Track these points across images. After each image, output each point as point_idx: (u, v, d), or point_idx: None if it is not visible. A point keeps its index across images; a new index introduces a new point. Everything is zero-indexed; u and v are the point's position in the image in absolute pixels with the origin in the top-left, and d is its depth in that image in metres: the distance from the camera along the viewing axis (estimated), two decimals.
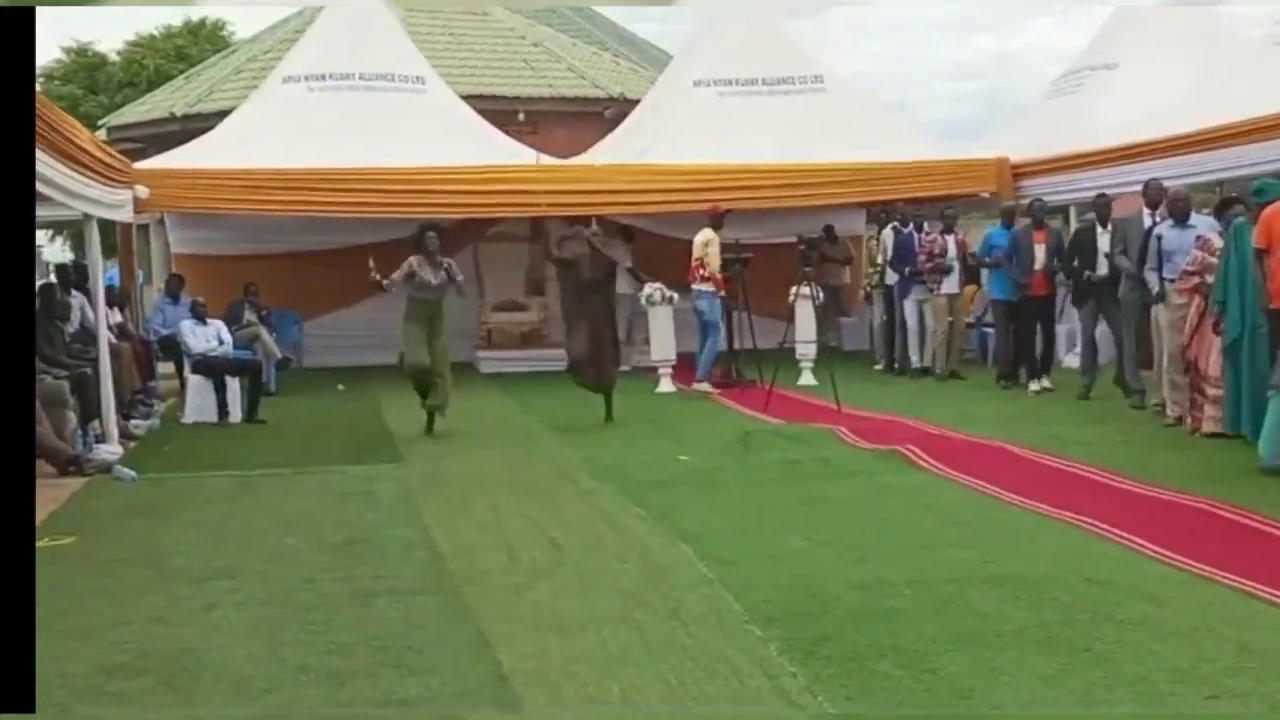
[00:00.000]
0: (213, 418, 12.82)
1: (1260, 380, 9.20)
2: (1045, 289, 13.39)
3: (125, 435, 11.56)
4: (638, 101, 19.58)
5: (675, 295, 14.82)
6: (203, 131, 17.48)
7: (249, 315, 15.05)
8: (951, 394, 13.73)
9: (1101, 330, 12.68)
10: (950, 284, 14.73)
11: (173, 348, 14.61)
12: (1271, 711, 4.46)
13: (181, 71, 28.83)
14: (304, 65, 17.01)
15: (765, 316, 15.23)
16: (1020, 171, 16.78)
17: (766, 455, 9.94)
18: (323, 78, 16.70)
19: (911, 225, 15.34)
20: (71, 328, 12.40)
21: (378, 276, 11.36)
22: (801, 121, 17.00)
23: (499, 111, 19.67)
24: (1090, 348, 12.69)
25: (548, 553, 6.94)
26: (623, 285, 14.92)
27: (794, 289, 14.33)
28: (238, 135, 16.20)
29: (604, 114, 21.49)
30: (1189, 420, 10.35)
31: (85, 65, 37.67)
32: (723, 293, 14.28)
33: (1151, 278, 10.87)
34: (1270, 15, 14.71)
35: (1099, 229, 12.39)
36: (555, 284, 18.27)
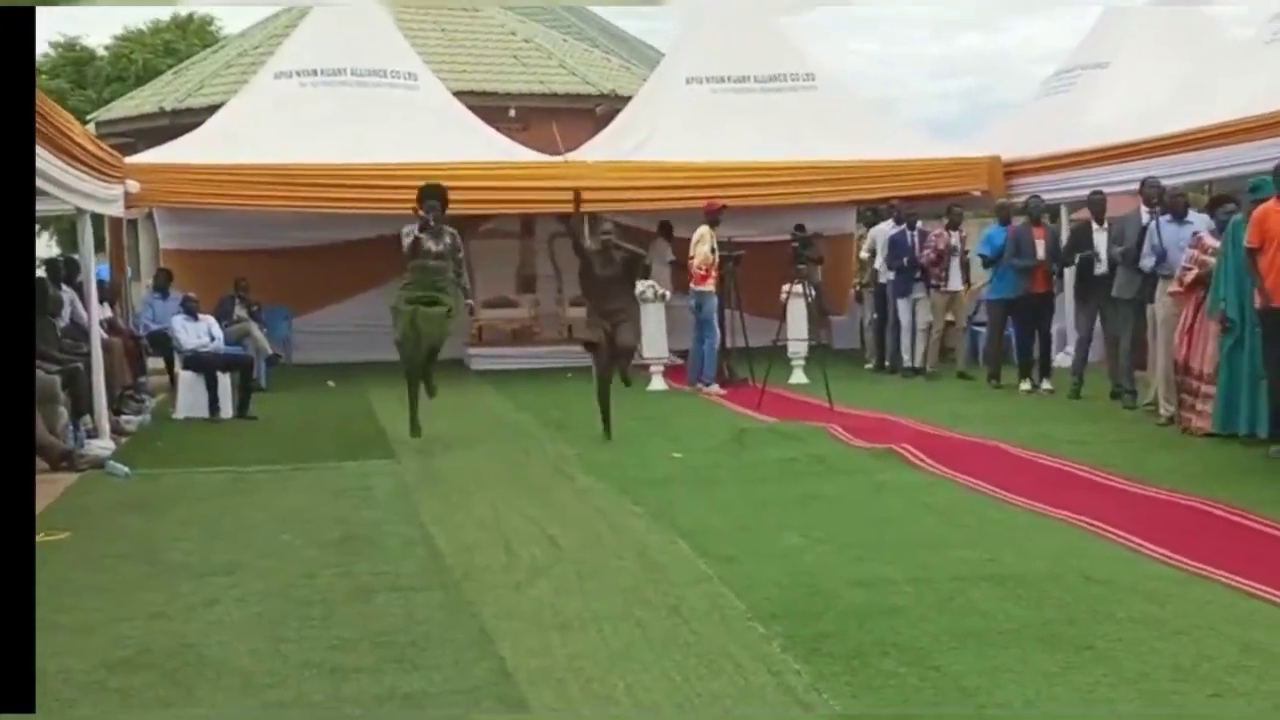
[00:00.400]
0: (204, 413, 12.79)
1: (1258, 379, 9.25)
2: (1044, 287, 13.40)
3: (116, 431, 11.52)
4: (629, 99, 19.56)
5: (667, 293, 14.87)
6: (192, 126, 17.40)
7: (239, 311, 15.03)
8: (943, 393, 13.75)
9: (1093, 329, 12.71)
10: (952, 282, 14.75)
11: (162, 343, 14.60)
12: (1275, 710, 4.48)
13: (170, 66, 28.77)
14: (296, 60, 16.95)
15: (756, 315, 15.26)
16: (1012, 170, 16.83)
17: (762, 453, 9.95)
18: (315, 73, 16.64)
19: (906, 223, 15.32)
20: (62, 323, 12.35)
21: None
22: (794, 119, 17.02)
23: (490, 108, 19.63)
24: (1084, 346, 12.72)
25: (546, 550, 6.93)
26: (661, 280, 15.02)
27: (786, 287, 14.34)
28: (229, 130, 16.13)
29: (595, 111, 21.47)
30: (1179, 420, 10.38)
31: (73, 60, 37.62)
32: (710, 288, 14.26)
33: (1148, 263, 10.91)
34: (1261, 14, 14.74)
35: (1094, 226, 12.42)
36: (545, 281, 18.48)
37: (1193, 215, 11.07)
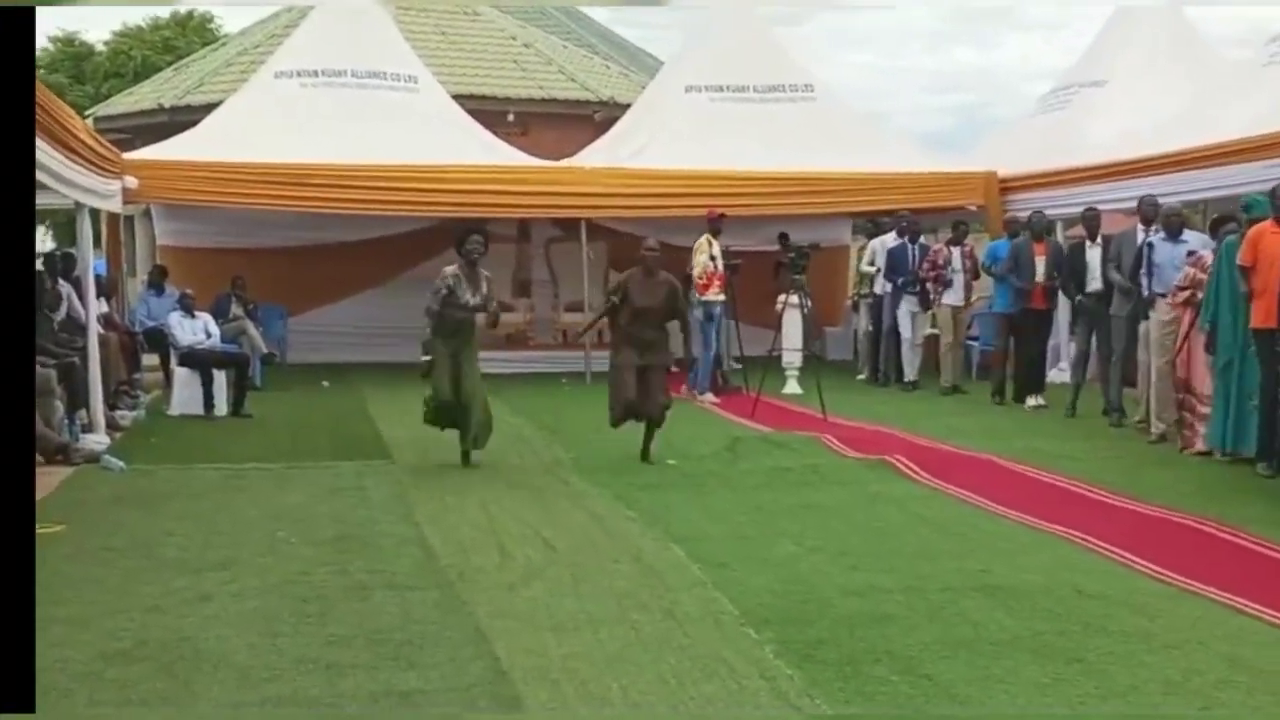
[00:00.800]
0: (199, 410, 12.80)
1: (1247, 398, 9.30)
2: (1044, 303, 13.43)
3: (111, 426, 11.53)
4: (628, 106, 19.62)
5: None
6: (191, 124, 17.44)
7: (235, 309, 15.03)
8: (936, 406, 13.80)
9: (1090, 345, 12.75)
10: (954, 296, 14.75)
11: (157, 339, 14.60)
12: None
13: (169, 63, 28.82)
14: (297, 60, 16.97)
15: (751, 324, 15.30)
16: (1008, 186, 16.89)
17: (755, 462, 9.99)
18: (315, 74, 16.67)
19: (908, 237, 15.34)
20: (59, 317, 12.36)
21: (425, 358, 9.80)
22: (792, 129, 17.06)
23: (489, 112, 19.69)
24: (1081, 363, 12.75)
25: (541, 552, 6.96)
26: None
27: (782, 297, 14.37)
28: (228, 128, 16.15)
29: (594, 117, 21.53)
30: (1180, 439, 10.41)
31: (72, 55, 37.66)
32: (716, 297, 14.25)
33: (1143, 282, 10.96)
34: (1259, 36, 14.83)
35: (1088, 244, 12.48)
36: (541, 286, 18.50)
37: (1188, 234, 11.13)
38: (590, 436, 11.01)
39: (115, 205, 14.31)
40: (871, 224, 17.41)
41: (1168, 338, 10.57)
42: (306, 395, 14.67)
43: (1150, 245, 10.94)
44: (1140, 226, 11.58)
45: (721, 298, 14.18)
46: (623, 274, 10.30)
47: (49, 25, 37.46)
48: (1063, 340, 14.91)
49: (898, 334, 15.49)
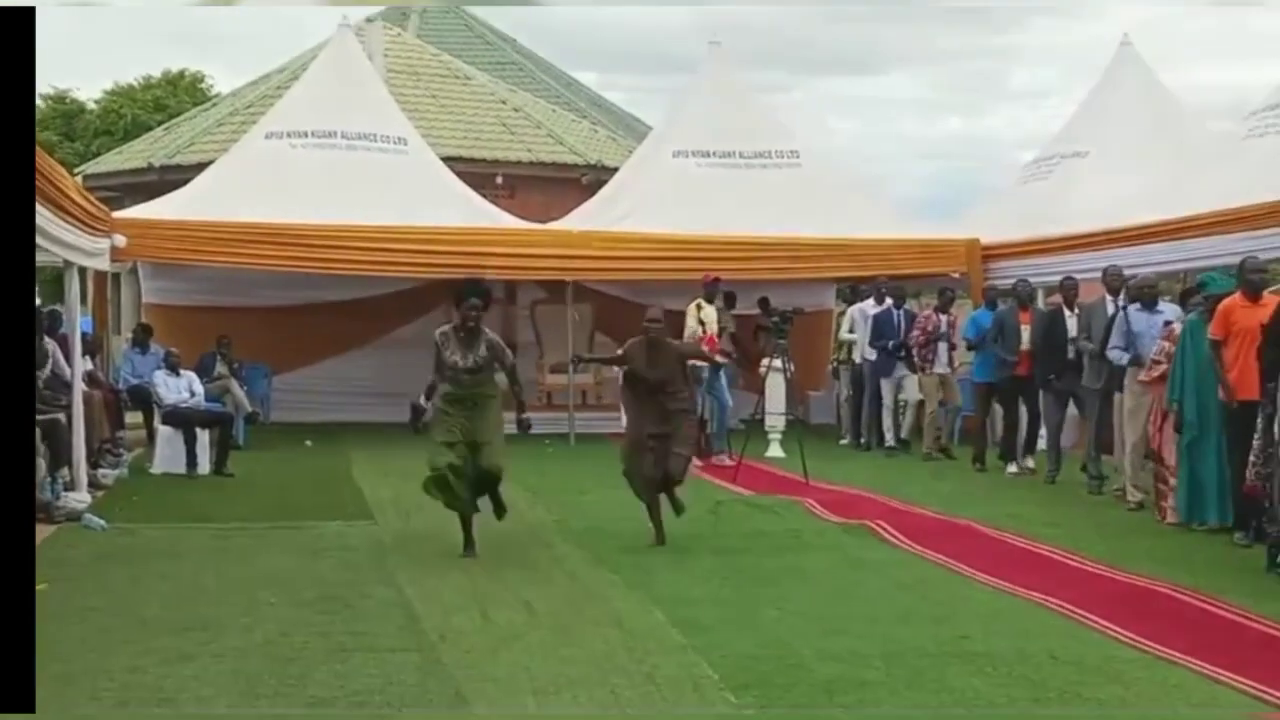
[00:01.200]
0: (181, 469, 12.79)
1: (1223, 470, 9.38)
2: (1027, 371, 13.47)
3: (93, 484, 11.51)
4: (615, 169, 19.78)
5: None
6: (181, 183, 17.53)
7: (220, 367, 15.06)
8: (918, 471, 13.85)
9: (1069, 414, 12.83)
10: (941, 364, 14.83)
11: (141, 397, 14.60)
12: None
13: (159, 122, 28.97)
14: (287, 121, 17.09)
15: (735, 388, 15.35)
16: (990, 253, 17.03)
17: (737, 525, 10.04)
18: (306, 134, 16.77)
19: (891, 301, 15.45)
20: (44, 374, 12.36)
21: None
22: (777, 195, 17.21)
23: (478, 174, 19.84)
24: (1056, 432, 12.83)
25: (522, 615, 6.99)
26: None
27: (765, 361, 14.44)
28: (218, 188, 16.24)
29: (581, 180, 21.70)
30: (1156, 511, 10.48)
31: (62, 112, 37.83)
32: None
33: (1115, 354, 11.04)
34: (1238, 110, 15.08)
35: (1066, 312, 12.58)
36: (526, 348, 18.51)
37: (1164, 305, 11.24)
38: (574, 499, 11.05)
39: (103, 263, 14.36)
40: (849, 290, 17.53)
41: (1141, 410, 10.66)
42: (290, 455, 14.69)
43: (1126, 315, 11.05)
44: (1108, 297, 11.72)
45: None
46: (626, 344, 9.72)
47: (42, 83, 37.66)
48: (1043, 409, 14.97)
49: (879, 399, 15.57)
